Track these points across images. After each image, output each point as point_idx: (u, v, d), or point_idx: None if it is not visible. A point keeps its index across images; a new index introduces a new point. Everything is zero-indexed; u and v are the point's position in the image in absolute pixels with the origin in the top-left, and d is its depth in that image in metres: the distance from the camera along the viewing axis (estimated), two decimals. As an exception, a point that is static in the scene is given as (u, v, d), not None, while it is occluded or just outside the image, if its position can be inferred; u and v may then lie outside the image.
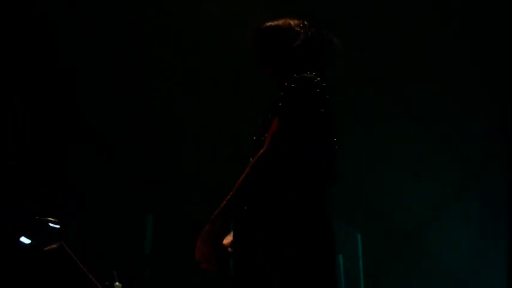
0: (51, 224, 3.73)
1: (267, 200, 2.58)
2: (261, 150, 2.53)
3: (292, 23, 2.83)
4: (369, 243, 5.58)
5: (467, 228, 5.65)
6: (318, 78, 2.62)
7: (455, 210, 5.71)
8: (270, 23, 2.85)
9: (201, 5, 5.64)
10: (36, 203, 5.09)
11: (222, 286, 2.59)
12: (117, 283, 3.88)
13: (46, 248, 3.52)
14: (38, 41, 5.51)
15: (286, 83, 2.62)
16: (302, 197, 2.59)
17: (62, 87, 5.63)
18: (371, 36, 5.51)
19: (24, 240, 3.60)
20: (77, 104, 5.67)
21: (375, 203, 5.63)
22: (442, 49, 5.60)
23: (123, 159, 5.68)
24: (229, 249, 2.70)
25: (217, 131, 5.70)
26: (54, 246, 3.52)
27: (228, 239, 2.71)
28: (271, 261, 2.65)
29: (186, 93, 5.76)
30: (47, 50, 5.56)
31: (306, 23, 2.83)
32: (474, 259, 5.64)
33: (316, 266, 2.62)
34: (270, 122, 2.57)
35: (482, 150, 5.67)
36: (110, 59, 5.70)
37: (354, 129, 5.32)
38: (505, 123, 5.64)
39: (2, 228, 4.78)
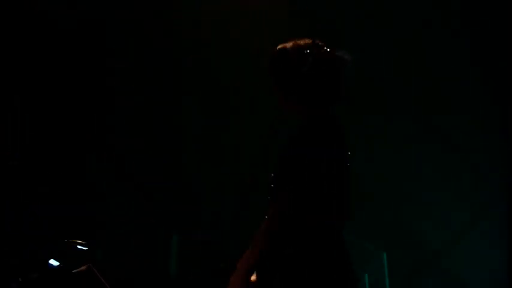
0: (78, 246, 3.76)
1: None
2: (265, 223, 2.60)
3: (302, 43, 2.77)
4: (394, 262, 5.58)
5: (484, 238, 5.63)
6: (326, 120, 2.65)
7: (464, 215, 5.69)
8: (280, 46, 2.79)
9: (201, 5, 5.65)
10: (36, 203, 5.09)
11: None
12: None
13: (75, 270, 3.55)
14: (38, 41, 5.51)
15: (295, 131, 2.64)
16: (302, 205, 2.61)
17: (62, 87, 5.63)
18: (371, 36, 5.50)
19: (53, 262, 3.63)
20: (78, 103, 5.67)
21: (399, 221, 5.62)
22: (442, 49, 5.60)
23: (138, 172, 5.69)
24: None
25: (243, 153, 5.69)
26: (83, 268, 3.55)
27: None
28: (271, 261, 2.66)
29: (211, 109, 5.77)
30: (47, 50, 5.56)
31: (316, 41, 2.78)
32: (498, 276, 5.62)
33: (316, 266, 2.62)
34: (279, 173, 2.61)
35: (482, 150, 5.67)
36: (110, 58, 5.70)
37: (355, 130, 5.32)
38: (505, 123, 5.64)
39: (2, 228, 4.79)
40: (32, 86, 5.51)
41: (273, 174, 2.69)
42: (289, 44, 2.77)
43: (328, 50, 2.74)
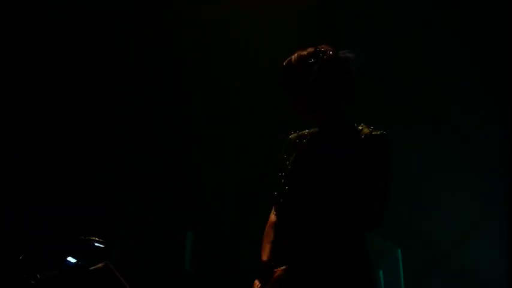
0: (95, 244, 3.79)
1: None
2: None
3: (305, 53, 2.79)
4: (409, 259, 5.56)
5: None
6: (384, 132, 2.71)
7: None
8: (285, 61, 2.82)
9: (201, 5, 5.66)
10: (36, 203, 5.09)
11: None
12: None
13: (92, 268, 3.57)
14: (38, 41, 5.52)
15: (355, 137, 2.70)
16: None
17: (62, 87, 5.63)
18: (371, 36, 5.50)
19: (71, 259, 3.66)
20: (78, 103, 5.67)
21: (398, 221, 5.61)
22: (442, 49, 5.60)
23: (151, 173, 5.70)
24: None
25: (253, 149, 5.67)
26: (100, 265, 3.57)
27: None
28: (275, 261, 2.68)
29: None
30: (47, 50, 5.56)
31: (318, 49, 2.79)
32: (498, 276, 5.61)
33: (316, 265, 2.62)
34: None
35: (482, 150, 5.66)
36: (110, 58, 5.71)
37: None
38: (505, 123, 5.64)
39: (2, 228, 4.79)
40: (32, 86, 5.52)
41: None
42: (293, 57, 2.81)
43: (331, 53, 2.76)
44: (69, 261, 3.66)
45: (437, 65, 5.62)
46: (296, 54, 2.81)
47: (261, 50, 5.56)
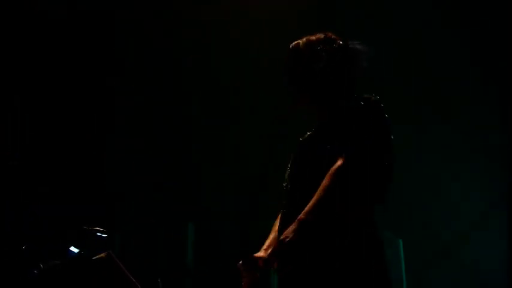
0: (98, 234, 3.79)
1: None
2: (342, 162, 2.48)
3: (314, 39, 2.72)
4: (408, 259, 5.55)
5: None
6: (378, 97, 2.66)
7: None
8: (293, 44, 2.74)
9: (201, 5, 5.66)
10: (36, 203, 5.10)
11: None
12: None
13: (94, 258, 3.58)
14: (38, 41, 5.52)
15: (348, 106, 2.62)
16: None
17: (62, 87, 5.64)
18: (371, 36, 5.50)
19: (73, 249, 3.67)
20: (78, 103, 5.68)
21: (396, 222, 5.60)
22: (442, 49, 5.60)
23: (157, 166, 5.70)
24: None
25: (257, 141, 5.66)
26: (102, 255, 3.57)
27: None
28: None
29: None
30: (47, 50, 5.56)
31: (328, 35, 2.74)
32: (498, 276, 5.60)
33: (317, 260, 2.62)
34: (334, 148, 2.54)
35: (482, 150, 5.66)
36: (110, 58, 5.71)
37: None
38: (505, 124, 5.64)
39: (2, 228, 4.79)
40: (32, 86, 5.52)
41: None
42: (301, 41, 2.73)
43: (341, 42, 2.72)
44: (72, 251, 3.67)
45: (437, 65, 5.62)
46: (304, 39, 2.72)
47: (261, 50, 5.56)
